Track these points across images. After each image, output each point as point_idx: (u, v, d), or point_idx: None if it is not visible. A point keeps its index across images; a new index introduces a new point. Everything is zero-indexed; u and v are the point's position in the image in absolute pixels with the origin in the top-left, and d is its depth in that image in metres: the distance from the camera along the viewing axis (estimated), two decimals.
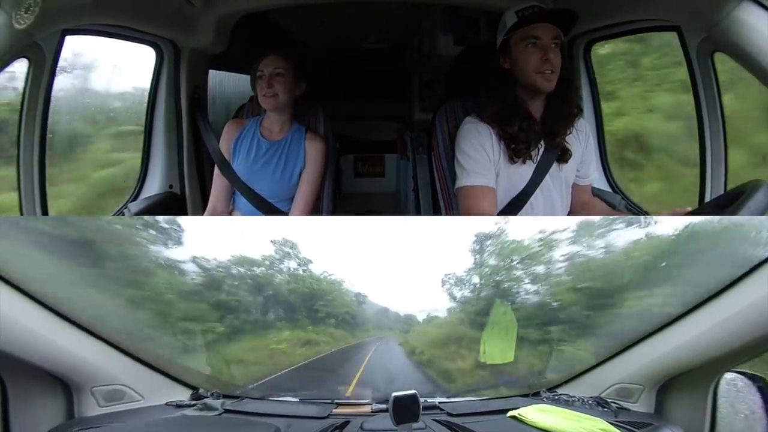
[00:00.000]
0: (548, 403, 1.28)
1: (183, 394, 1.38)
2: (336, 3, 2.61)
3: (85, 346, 1.13)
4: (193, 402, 1.31)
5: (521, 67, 1.48)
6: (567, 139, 1.56)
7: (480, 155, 1.51)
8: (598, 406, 1.21)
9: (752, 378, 1.00)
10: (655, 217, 1.76)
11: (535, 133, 1.51)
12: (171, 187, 2.13)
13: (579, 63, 2.03)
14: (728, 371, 1.03)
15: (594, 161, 1.69)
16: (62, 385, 1.13)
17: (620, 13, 1.69)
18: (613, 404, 1.20)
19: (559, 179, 1.59)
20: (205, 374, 1.64)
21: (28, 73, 1.46)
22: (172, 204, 2.11)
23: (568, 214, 1.70)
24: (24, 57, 1.42)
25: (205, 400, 1.32)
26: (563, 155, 1.56)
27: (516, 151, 1.50)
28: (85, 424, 1.08)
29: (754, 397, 0.99)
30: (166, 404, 1.29)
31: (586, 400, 1.25)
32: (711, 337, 1.00)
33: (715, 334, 0.99)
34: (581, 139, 1.62)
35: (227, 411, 1.27)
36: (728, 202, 1.11)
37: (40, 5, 1.15)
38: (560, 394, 1.35)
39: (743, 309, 0.92)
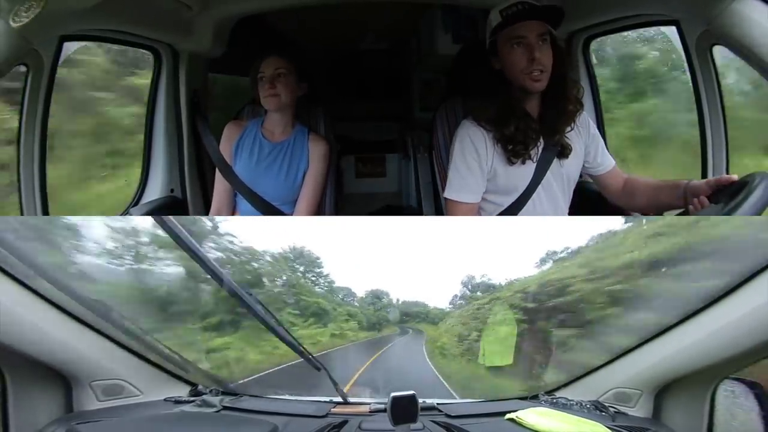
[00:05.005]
0: (546, 407, 1.28)
1: (182, 390, 1.38)
2: (333, 4, 2.60)
3: (85, 340, 1.13)
4: (191, 398, 1.32)
5: (509, 68, 1.45)
6: (567, 134, 1.53)
7: (469, 167, 1.50)
8: (596, 410, 1.21)
9: (750, 385, 1.00)
10: (654, 217, 1.77)
11: (533, 132, 1.49)
12: (172, 191, 2.13)
13: (578, 59, 2.03)
14: (726, 377, 1.03)
15: (602, 147, 1.65)
16: (62, 379, 1.13)
17: (619, 8, 1.69)
18: (611, 408, 1.20)
19: (560, 176, 1.57)
20: (204, 371, 1.64)
21: (26, 79, 1.48)
22: (173, 208, 2.10)
23: (615, 212, 1.68)
24: (23, 64, 1.43)
25: (204, 396, 1.32)
26: (564, 151, 1.54)
27: (514, 153, 1.48)
28: (83, 418, 1.09)
29: (752, 404, 0.99)
30: (165, 400, 1.29)
31: (584, 404, 1.25)
32: (710, 343, 1.00)
33: (714, 340, 0.99)
34: (582, 133, 1.60)
35: (226, 408, 1.27)
36: (731, 195, 1.12)
37: (41, 8, 1.15)
38: (558, 398, 1.35)
39: (743, 316, 0.92)
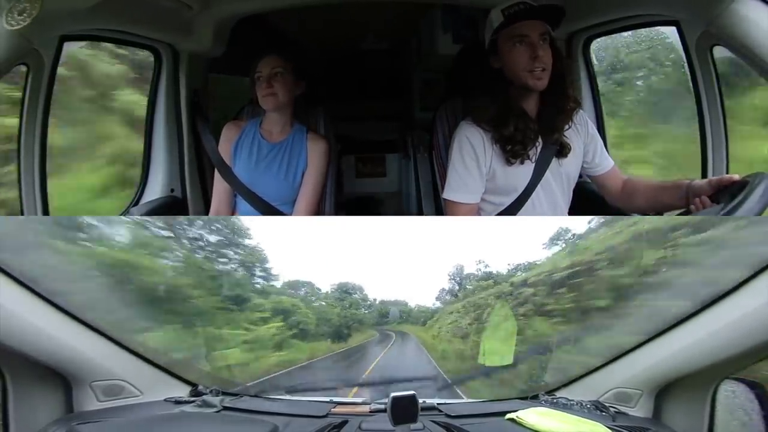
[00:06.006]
0: (547, 407, 1.28)
1: (182, 390, 1.38)
2: (334, 4, 2.61)
3: (84, 340, 1.14)
4: (192, 398, 1.32)
5: (511, 66, 1.46)
6: (566, 133, 1.54)
7: (468, 168, 1.50)
8: (597, 410, 1.21)
9: (751, 385, 1.00)
10: (655, 217, 1.76)
11: (531, 132, 1.49)
12: (172, 191, 2.13)
13: (578, 59, 2.03)
14: (727, 377, 1.03)
15: (600, 148, 1.66)
16: (62, 379, 1.13)
17: (620, 8, 1.69)
18: (611, 408, 1.20)
19: (560, 175, 1.58)
20: (204, 371, 1.64)
21: (26, 79, 1.48)
22: (173, 208, 2.11)
23: (615, 213, 1.68)
24: (23, 63, 1.42)
25: (204, 396, 1.32)
26: (562, 150, 1.55)
27: (513, 153, 1.49)
28: (84, 419, 1.09)
29: (752, 404, 0.99)
30: (165, 400, 1.29)
31: (584, 404, 1.25)
32: (710, 343, 1.00)
33: (714, 340, 0.99)
34: (581, 132, 1.61)
35: (226, 408, 1.27)
36: (732, 195, 1.12)
37: (37, 11, 1.15)
38: (559, 398, 1.35)
39: (743, 315, 0.92)
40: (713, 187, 1.25)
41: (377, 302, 10.52)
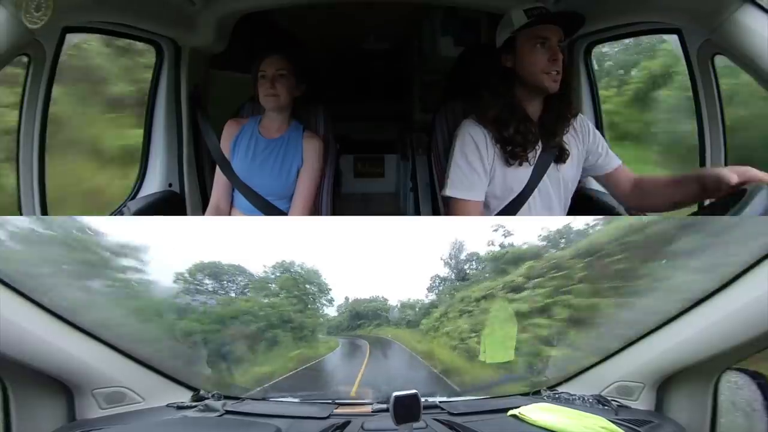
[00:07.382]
0: (549, 402, 1.28)
1: (184, 396, 1.38)
2: (336, 3, 2.62)
3: (85, 348, 1.14)
4: (194, 403, 1.32)
5: (528, 66, 1.47)
6: (565, 138, 1.54)
7: (472, 165, 1.50)
8: (599, 404, 1.21)
9: (753, 375, 1.00)
10: (656, 217, 1.76)
11: (532, 135, 1.50)
12: (170, 185, 2.13)
13: (579, 65, 2.03)
14: (729, 368, 1.03)
15: (606, 147, 1.63)
16: (63, 387, 1.13)
17: (622, 15, 1.69)
18: (613, 402, 1.20)
19: (557, 180, 1.58)
20: (206, 375, 1.64)
21: (27, 71, 1.45)
22: (171, 202, 2.11)
23: (630, 210, 1.68)
24: (24, 54, 1.40)
25: (206, 401, 1.32)
26: (561, 155, 1.55)
27: (512, 154, 1.49)
28: (86, 427, 1.09)
29: (755, 394, 0.99)
30: (167, 406, 1.29)
31: (586, 398, 1.25)
32: (711, 335, 1.00)
33: (715, 332, 0.99)
34: (581, 137, 1.61)
35: (228, 412, 1.27)
36: (729, 205, 1.12)
37: (51, 6, 1.15)
38: (561, 393, 1.35)
39: (743, 306, 0.92)
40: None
41: (350, 301, 9.31)
